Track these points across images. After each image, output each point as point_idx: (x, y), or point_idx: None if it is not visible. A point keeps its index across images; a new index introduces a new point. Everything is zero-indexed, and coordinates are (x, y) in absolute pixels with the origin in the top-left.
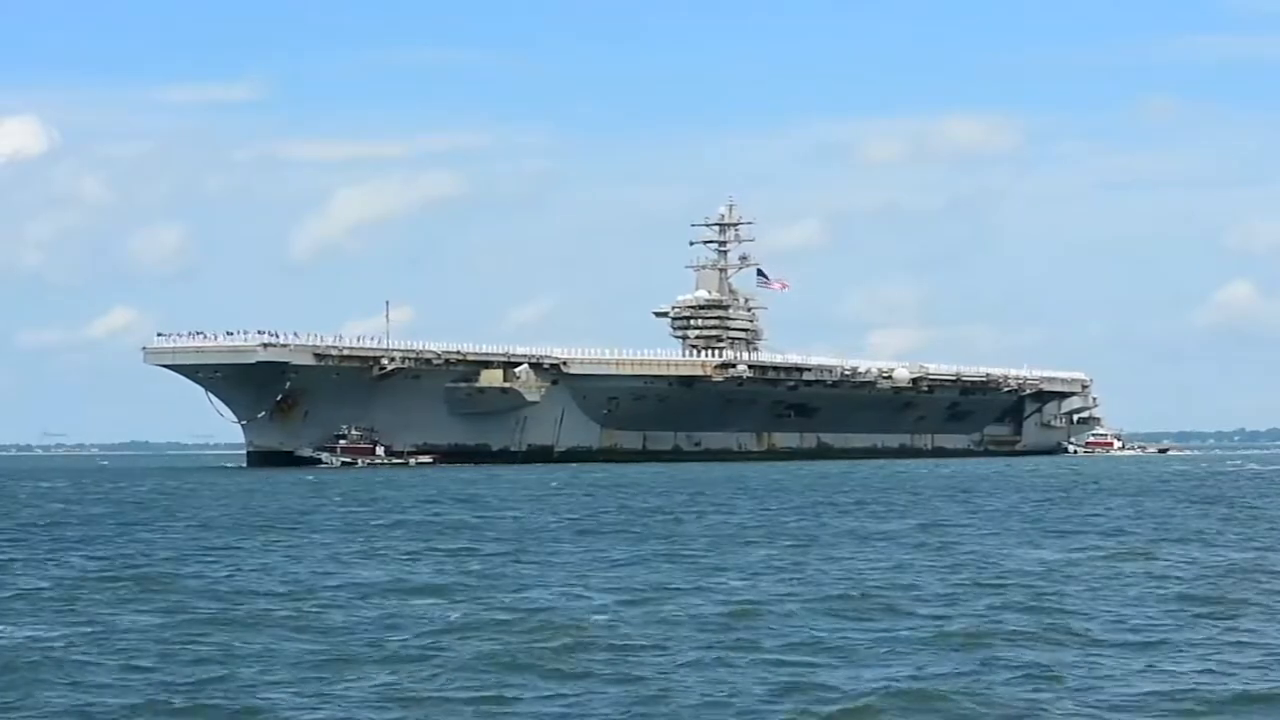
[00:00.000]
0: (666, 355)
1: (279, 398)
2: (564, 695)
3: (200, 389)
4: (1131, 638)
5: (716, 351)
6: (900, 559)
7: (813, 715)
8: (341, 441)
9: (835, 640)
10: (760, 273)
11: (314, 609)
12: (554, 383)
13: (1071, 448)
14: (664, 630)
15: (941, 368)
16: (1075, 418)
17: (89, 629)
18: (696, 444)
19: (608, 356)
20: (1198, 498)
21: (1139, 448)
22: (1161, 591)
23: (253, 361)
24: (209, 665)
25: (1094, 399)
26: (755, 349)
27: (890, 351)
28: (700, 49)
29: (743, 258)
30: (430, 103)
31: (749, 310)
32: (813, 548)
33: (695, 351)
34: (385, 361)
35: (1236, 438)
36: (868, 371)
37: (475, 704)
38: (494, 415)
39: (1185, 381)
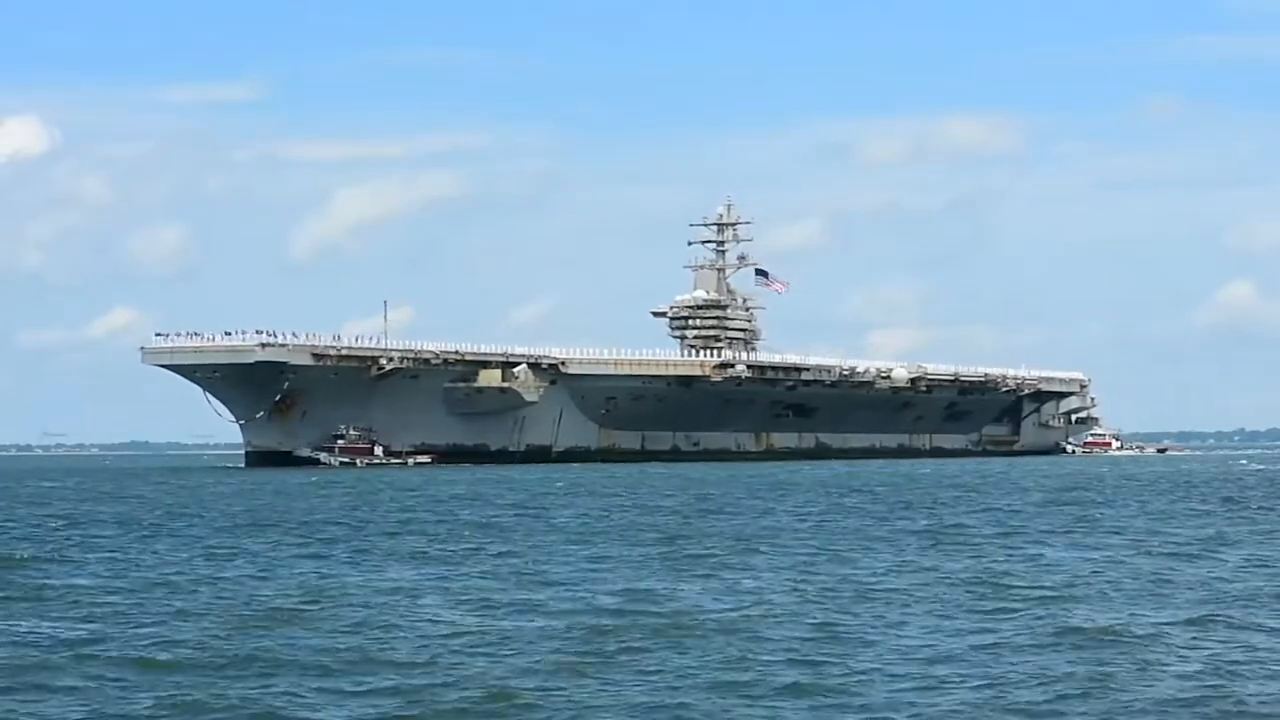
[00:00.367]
0: (665, 355)
1: (277, 398)
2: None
3: (198, 389)
4: None
5: (715, 351)
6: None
7: None
8: (340, 441)
9: None
10: (760, 272)
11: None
12: (552, 383)
13: (1070, 448)
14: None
15: (940, 368)
16: (1073, 418)
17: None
18: (695, 444)
19: (606, 356)
20: None
21: (1137, 448)
22: None
23: (251, 361)
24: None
25: (1092, 399)
26: (753, 349)
27: (890, 351)
28: (700, 49)
29: (741, 258)
30: (430, 103)
31: (747, 310)
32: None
33: (693, 351)
34: (383, 361)
35: (1236, 438)
36: (866, 371)
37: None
38: (492, 415)
39: (1185, 381)
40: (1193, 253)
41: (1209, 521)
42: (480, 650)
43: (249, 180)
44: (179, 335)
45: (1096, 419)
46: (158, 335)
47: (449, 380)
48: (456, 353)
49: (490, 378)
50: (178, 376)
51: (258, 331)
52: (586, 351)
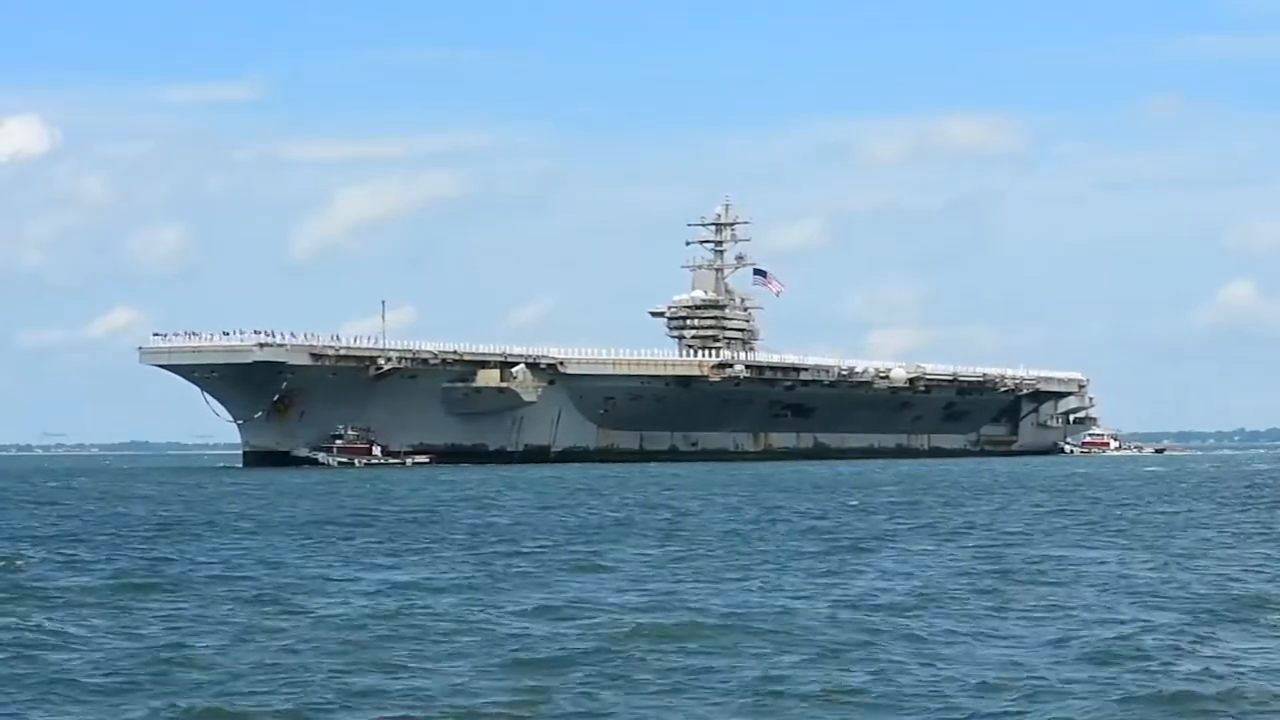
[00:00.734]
0: (663, 355)
1: (275, 398)
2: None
3: (198, 389)
4: None
5: (713, 351)
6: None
7: None
8: (338, 441)
9: None
10: (758, 271)
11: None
12: (551, 383)
13: (1068, 448)
14: None
15: (938, 368)
16: (1071, 418)
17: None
18: (693, 444)
19: (604, 356)
20: None
21: (1135, 448)
22: None
23: (249, 361)
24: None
25: (1090, 399)
26: (752, 349)
27: (890, 351)
28: (700, 49)
29: (739, 257)
30: (430, 103)
31: (745, 310)
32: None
33: (691, 351)
34: (382, 361)
35: (1236, 438)
36: (864, 371)
37: None
38: (490, 415)
39: (1185, 381)
40: (1193, 253)
41: None
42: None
43: (249, 180)
44: (177, 335)
45: (1095, 419)
46: (155, 335)
47: (447, 380)
48: (455, 353)
49: (489, 378)
50: (177, 376)
51: (256, 331)
52: (585, 351)
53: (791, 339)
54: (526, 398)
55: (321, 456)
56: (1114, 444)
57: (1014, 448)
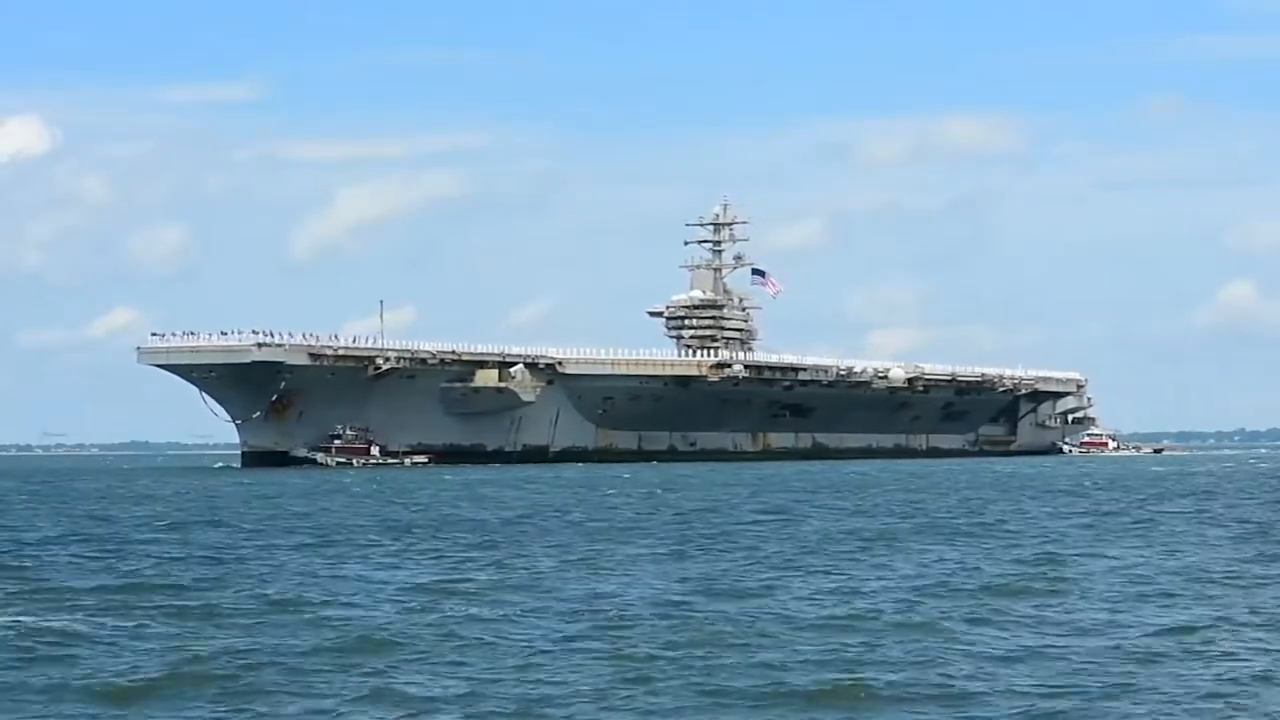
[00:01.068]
0: (662, 355)
1: (274, 398)
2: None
3: (195, 389)
4: None
5: (711, 351)
6: None
7: None
8: (336, 441)
9: None
10: (756, 271)
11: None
12: (549, 383)
13: (1066, 448)
14: None
15: (936, 368)
16: (1070, 418)
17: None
18: (692, 444)
19: (603, 356)
20: None
21: (1134, 448)
22: None
23: (247, 361)
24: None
25: (1089, 399)
26: (750, 349)
27: (890, 351)
28: (700, 49)
29: (737, 257)
30: (430, 103)
31: (744, 310)
32: None
33: (690, 351)
34: (380, 361)
35: (1236, 438)
36: (863, 371)
37: None
38: (489, 415)
39: (1185, 381)
40: (1193, 253)
41: None
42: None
43: (249, 180)
44: (175, 335)
45: (1093, 419)
46: (153, 335)
47: (446, 380)
48: (453, 352)
49: (487, 378)
50: (176, 376)
51: (254, 331)
52: (583, 351)
53: (791, 339)
54: (525, 398)
55: (320, 457)
56: (1112, 444)
57: (1012, 448)
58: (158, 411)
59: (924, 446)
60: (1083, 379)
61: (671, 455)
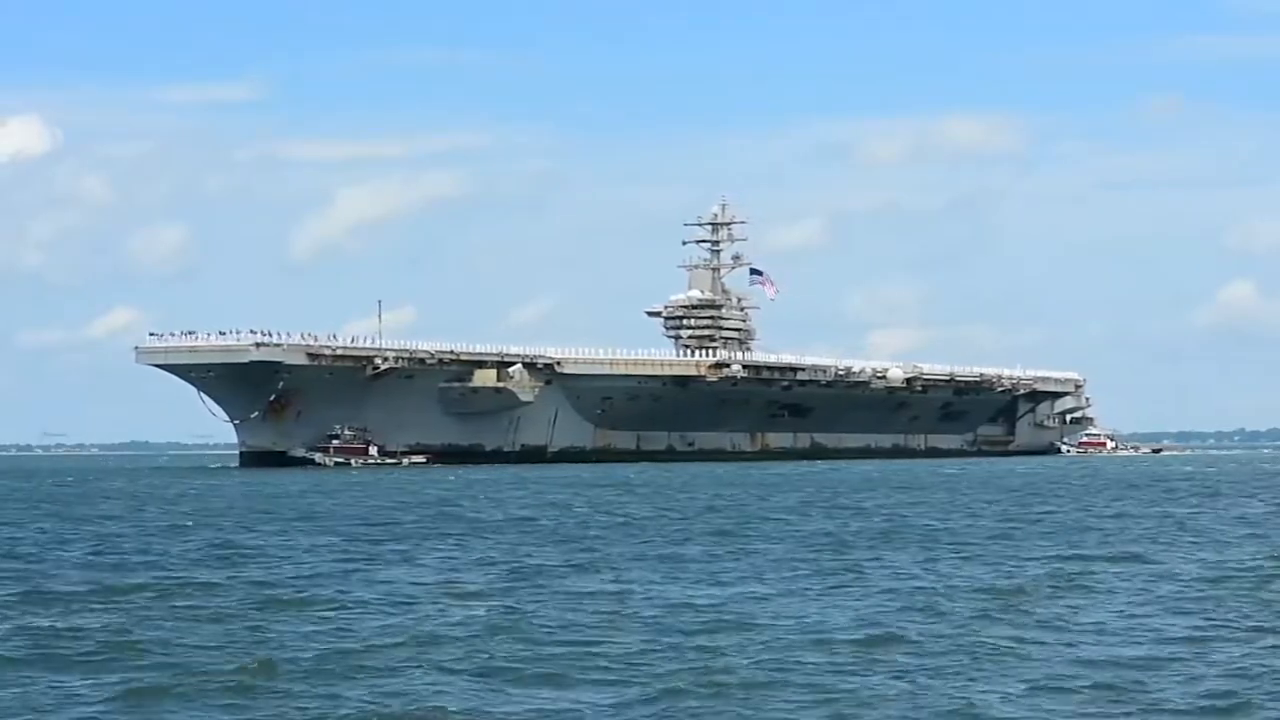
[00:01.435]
0: (660, 355)
1: (272, 398)
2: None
3: (193, 389)
4: None
5: (709, 351)
6: None
7: None
8: (335, 441)
9: None
10: (755, 271)
11: None
12: (548, 383)
13: (1065, 448)
14: None
15: (935, 368)
16: (1068, 418)
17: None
18: (690, 444)
19: (601, 356)
20: None
21: (1132, 448)
22: None
23: (246, 361)
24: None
25: (1087, 399)
26: (748, 349)
27: (890, 351)
28: (700, 49)
29: (736, 257)
30: (430, 103)
31: (742, 310)
32: None
33: (688, 351)
34: (378, 361)
35: (1236, 438)
36: (861, 371)
37: None
38: (487, 415)
39: (1184, 381)
40: (1193, 253)
41: None
42: None
43: (249, 180)
44: (173, 335)
45: (1091, 419)
46: (152, 335)
47: (444, 380)
48: (451, 352)
49: (485, 378)
50: (175, 376)
51: (252, 331)
52: (582, 351)
53: (791, 339)
54: (523, 398)
55: (318, 457)
56: (1110, 444)
57: (1010, 448)
58: (158, 411)
59: (922, 446)
60: (1081, 379)
61: (670, 455)
